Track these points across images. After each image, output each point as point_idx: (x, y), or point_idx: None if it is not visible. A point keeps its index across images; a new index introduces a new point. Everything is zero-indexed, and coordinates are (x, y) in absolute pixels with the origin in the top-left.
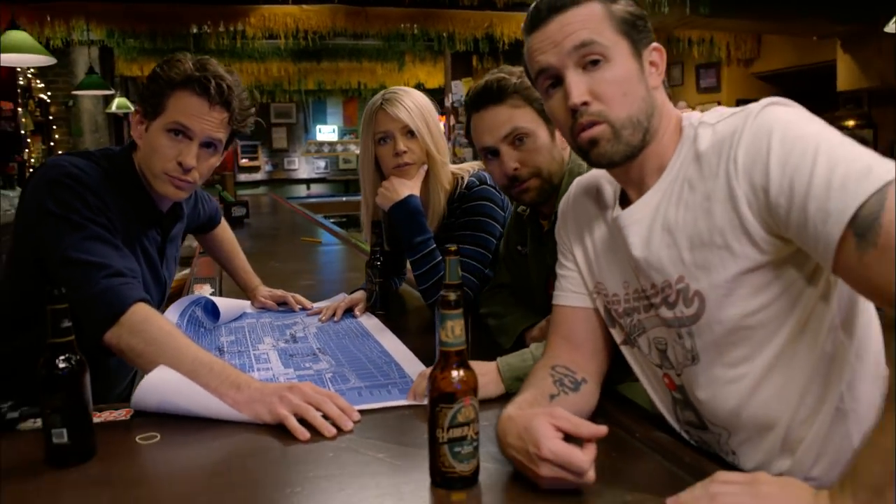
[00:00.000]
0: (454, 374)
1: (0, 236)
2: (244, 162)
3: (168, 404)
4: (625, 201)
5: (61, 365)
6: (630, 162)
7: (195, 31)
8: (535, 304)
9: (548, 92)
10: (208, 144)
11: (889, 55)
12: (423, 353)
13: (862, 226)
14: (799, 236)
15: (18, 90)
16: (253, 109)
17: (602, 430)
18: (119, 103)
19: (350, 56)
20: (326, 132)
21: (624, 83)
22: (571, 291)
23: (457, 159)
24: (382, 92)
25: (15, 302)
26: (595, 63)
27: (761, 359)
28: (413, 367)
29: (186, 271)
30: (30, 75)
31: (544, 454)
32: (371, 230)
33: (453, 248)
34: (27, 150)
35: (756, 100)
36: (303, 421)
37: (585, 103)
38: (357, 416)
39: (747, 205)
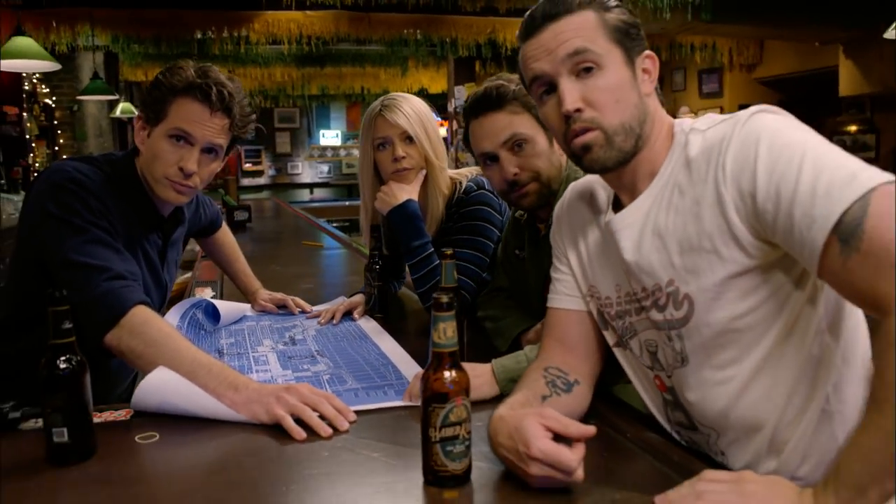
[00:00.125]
0: (446, 374)
1: (4, 240)
2: (248, 166)
3: (167, 405)
4: (618, 206)
5: (62, 365)
6: (622, 167)
7: (199, 36)
8: (532, 308)
9: (542, 98)
10: (209, 150)
11: (891, 61)
12: (421, 355)
13: (846, 231)
14: (785, 241)
15: (24, 95)
16: (254, 116)
17: (590, 430)
18: (123, 108)
19: (353, 61)
20: (330, 137)
21: (617, 90)
22: (565, 294)
23: (459, 164)
24: (381, 98)
25: (18, 304)
26: (588, 70)
27: (749, 361)
28: (410, 369)
29: (188, 275)
30: (35, 80)
31: (534, 453)
32: (370, 234)
33: (449, 252)
34: (32, 155)
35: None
36: (300, 421)
37: (579, 110)
38: (353, 417)
39: (735, 210)
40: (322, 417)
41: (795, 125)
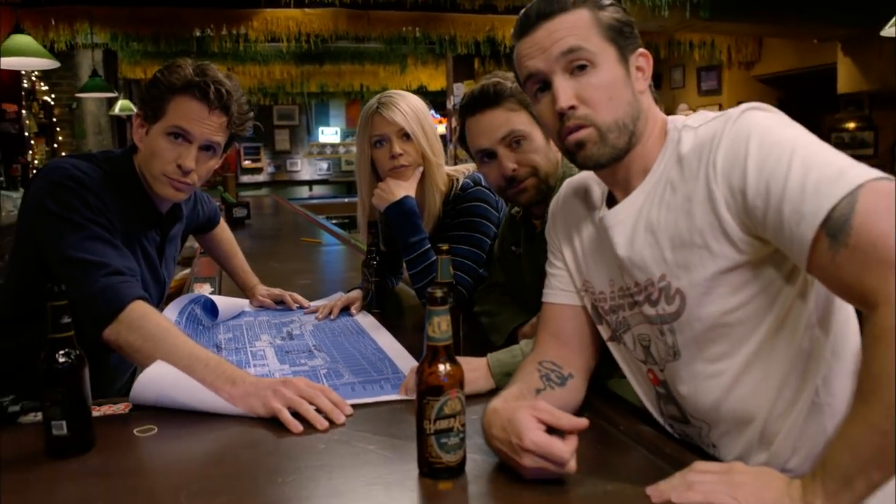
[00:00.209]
0: (441, 367)
1: (3, 237)
2: (247, 163)
3: (165, 398)
4: (612, 202)
5: (61, 359)
6: (616, 164)
7: (198, 34)
8: (528, 303)
9: (536, 96)
10: (207, 147)
11: (890, 58)
12: (418, 350)
13: (834, 227)
14: (775, 237)
15: (23, 92)
16: (251, 113)
17: (582, 422)
18: (122, 105)
19: (352, 59)
20: (329, 134)
21: (610, 88)
22: (560, 289)
23: (458, 160)
24: (378, 96)
25: (18, 300)
26: (582, 68)
27: (740, 355)
28: (406, 363)
29: (187, 271)
30: (34, 78)
31: (526, 445)
32: (368, 231)
33: (445, 247)
34: (31, 152)
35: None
36: (296, 414)
37: (572, 107)
38: (349, 410)
39: (726, 206)
40: (319, 411)
41: (786, 122)
